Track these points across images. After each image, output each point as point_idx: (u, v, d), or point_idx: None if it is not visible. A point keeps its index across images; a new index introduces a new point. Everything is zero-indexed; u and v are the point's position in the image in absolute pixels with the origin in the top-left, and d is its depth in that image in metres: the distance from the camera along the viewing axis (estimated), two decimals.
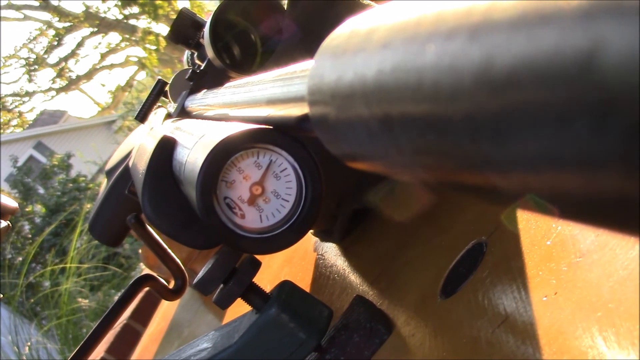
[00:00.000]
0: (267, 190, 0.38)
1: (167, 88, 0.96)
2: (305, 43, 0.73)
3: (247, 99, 0.44)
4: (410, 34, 0.17)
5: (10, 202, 0.60)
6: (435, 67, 0.15)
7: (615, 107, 0.10)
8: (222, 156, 0.37)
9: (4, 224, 0.59)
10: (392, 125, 0.18)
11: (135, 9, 9.91)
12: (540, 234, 0.42)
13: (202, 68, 0.84)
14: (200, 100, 0.71)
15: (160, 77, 0.98)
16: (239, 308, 0.54)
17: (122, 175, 0.97)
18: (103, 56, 11.09)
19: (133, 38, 10.34)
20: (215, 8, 0.76)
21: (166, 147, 0.52)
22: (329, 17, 0.72)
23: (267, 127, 0.38)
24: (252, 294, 0.51)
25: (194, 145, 0.42)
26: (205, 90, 0.74)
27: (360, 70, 0.20)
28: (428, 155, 0.17)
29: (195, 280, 0.50)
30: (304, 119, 0.32)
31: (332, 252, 0.75)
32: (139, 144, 0.77)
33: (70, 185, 6.83)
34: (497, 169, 0.14)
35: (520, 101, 0.13)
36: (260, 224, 0.39)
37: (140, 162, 0.59)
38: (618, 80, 0.10)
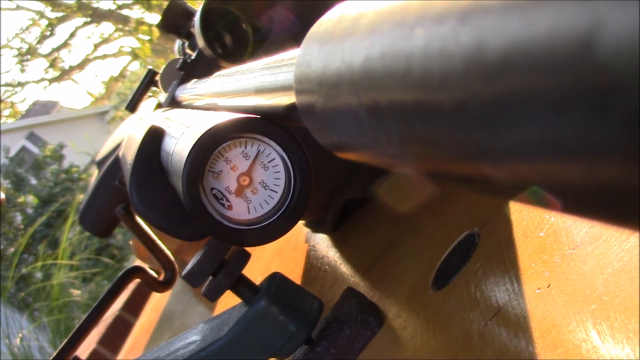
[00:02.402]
0: (255, 181, 0.38)
1: (157, 78, 0.95)
2: (298, 32, 0.72)
3: (235, 88, 0.43)
4: (399, 18, 0.16)
5: None
6: (424, 53, 0.15)
7: (616, 91, 0.10)
8: (208, 146, 0.36)
9: None
10: (381, 113, 0.17)
11: None
12: (533, 225, 0.42)
13: (192, 57, 0.84)
14: (190, 90, 0.70)
15: (150, 67, 0.97)
16: (231, 299, 0.53)
17: (112, 166, 0.97)
18: (96, 46, 11.03)
19: (126, 28, 10.29)
20: None
21: (154, 137, 0.51)
22: (323, 6, 0.71)
23: (254, 116, 0.37)
24: (242, 286, 0.51)
25: (182, 135, 0.41)
26: (196, 79, 0.73)
27: (348, 56, 0.19)
28: (418, 144, 0.16)
29: (184, 272, 0.50)
30: (292, 108, 0.32)
31: (323, 243, 0.74)
32: (128, 135, 0.77)
33: (63, 176, 6.80)
34: (489, 158, 0.14)
35: (514, 87, 0.12)
36: (248, 215, 0.38)
37: (129, 153, 0.58)
38: (618, 63, 0.10)
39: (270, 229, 0.38)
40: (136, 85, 1.00)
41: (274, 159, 0.37)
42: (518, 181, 0.13)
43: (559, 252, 0.37)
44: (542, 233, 0.40)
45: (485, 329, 0.39)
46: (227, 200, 0.37)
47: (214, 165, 0.37)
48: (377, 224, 0.67)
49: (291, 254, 0.83)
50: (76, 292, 3.90)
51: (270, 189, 0.38)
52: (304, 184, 0.38)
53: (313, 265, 0.73)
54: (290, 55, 0.32)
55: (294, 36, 0.72)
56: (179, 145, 0.40)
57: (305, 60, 0.24)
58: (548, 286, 0.36)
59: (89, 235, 4.49)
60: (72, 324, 3.52)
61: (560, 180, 0.12)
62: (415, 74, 0.15)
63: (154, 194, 0.49)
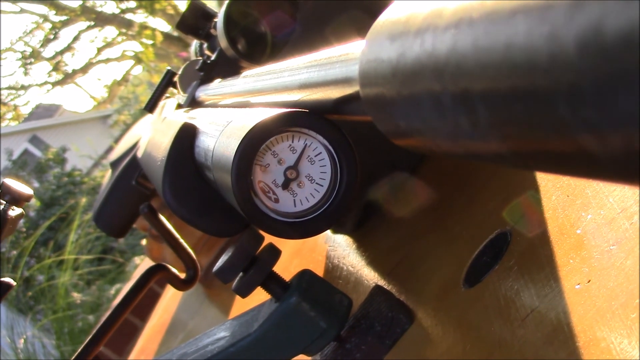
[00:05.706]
0: (301, 175, 0.38)
1: (176, 78, 0.96)
2: (316, 34, 0.73)
3: (274, 85, 0.44)
4: (491, 9, 0.17)
5: (25, 189, 0.59)
6: (529, 39, 0.15)
7: None
8: (257, 139, 0.36)
9: (18, 211, 0.59)
10: (470, 99, 0.18)
11: (132, 3, 9.86)
12: (570, 222, 0.42)
13: (212, 58, 0.84)
14: (215, 90, 0.71)
15: (169, 68, 0.98)
16: (247, 301, 0.53)
17: (129, 166, 0.97)
18: (99, 50, 11.02)
19: (129, 32, 10.29)
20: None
21: (187, 134, 0.51)
22: (341, 10, 0.72)
23: (302, 110, 0.37)
24: (272, 282, 0.51)
25: (223, 131, 0.42)
26: (220, 80, 0.74)
27: (429, 47, 0.20)
28: (511, 126, 0.17)
29: (215, 268, 0.50)
30: (343, 100, 0.32)
31: (344, 244, 0.75)
32: (150, 134, 0.77)
33: (65, 179, 6.81)
34: (596, 132, 0.14)
35: (634, 63, 0.12)
36: (294, 208, 0.39)
37: (157, 151, 0.59)
38: None
39: (316, 222, 0.39)
40: (139, 89, 1.01)
41: (320, 152, 0.38)
42: (627, 151, 0.14)
43: (599, 249, 0.38)
44: (580, 230, 0.40)
45: (522, 326, 0.39)
46: (274, 193, 0.38)
47: (261, 159, 0.38)
48: (399, 224, 0.67)
49: (310, 254, 0.84)
50: (77, 295, 3.90)
51: (317, 183, 0.38)
52: (350, 178, 0.38)
53: (334, 265, 0.73)
54: (341, 52, 0.33)
55: (310, 38, 0.73)
56: (222, 140, 0.41)
57: (374, 53, 0.24)
58: (588, 282, 0.37)
59: (92, 238, 4.50)
60: (76, 326, 3.52)
61: None
62: (517, 60, 0.15)
63: (188, 191, 0.50)
